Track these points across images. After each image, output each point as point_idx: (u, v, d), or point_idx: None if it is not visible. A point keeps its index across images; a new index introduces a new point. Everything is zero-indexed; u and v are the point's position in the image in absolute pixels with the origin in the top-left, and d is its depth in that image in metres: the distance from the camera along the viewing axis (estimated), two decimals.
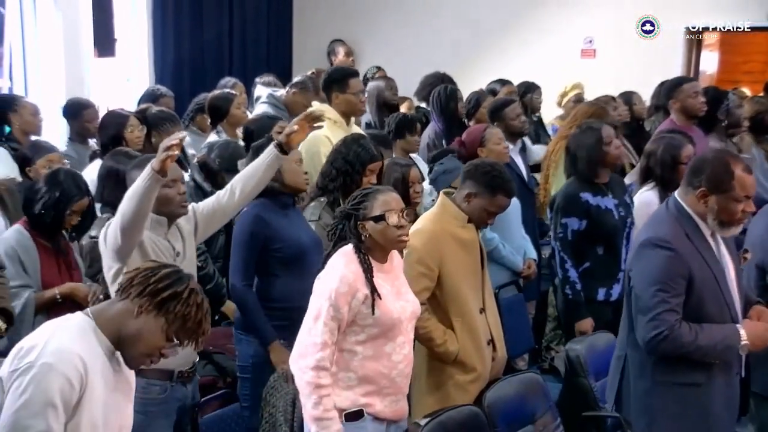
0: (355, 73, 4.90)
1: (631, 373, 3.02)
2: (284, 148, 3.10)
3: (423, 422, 2.92)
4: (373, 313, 2.78)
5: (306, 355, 2.77)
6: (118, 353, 2.12)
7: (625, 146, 5.80)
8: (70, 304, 3.29)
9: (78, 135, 5.20)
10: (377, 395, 2.85)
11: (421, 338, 3.28)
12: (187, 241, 3.06)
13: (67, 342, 2.01)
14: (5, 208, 3.77)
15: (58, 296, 3.33)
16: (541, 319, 5.26)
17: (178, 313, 2.04)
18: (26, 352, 2.00)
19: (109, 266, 2.88)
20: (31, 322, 3.23)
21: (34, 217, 3.37)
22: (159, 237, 2.96)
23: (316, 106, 4.73)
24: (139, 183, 2.66)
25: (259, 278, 3.45)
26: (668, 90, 5.30)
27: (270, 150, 3.09)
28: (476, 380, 3.32)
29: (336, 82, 4.70)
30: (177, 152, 2.62)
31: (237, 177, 3.13)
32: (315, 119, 3.16)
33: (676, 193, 3.00)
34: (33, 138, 4.85)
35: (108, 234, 2.81)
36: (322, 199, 3.75)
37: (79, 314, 2.12)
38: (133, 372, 2.22)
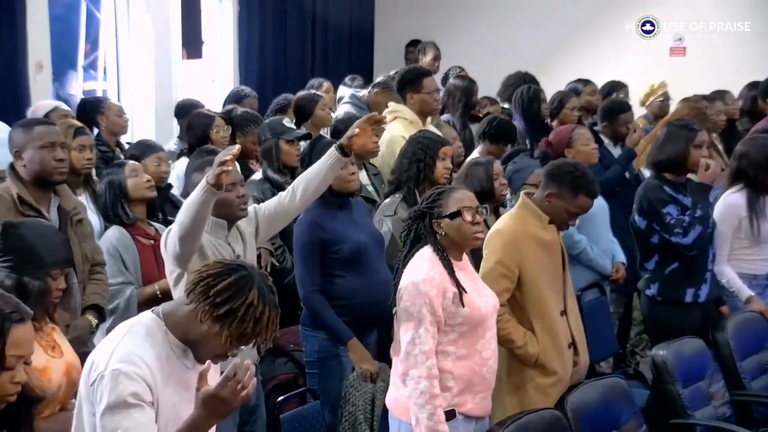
0: (428, 73, 4.90)
1: None
2: (346, 151, 3.07)
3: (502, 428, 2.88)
4: (462, 307, 2.79)
5: (416, 365, 2.78)
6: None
7: (715, 148, 5.62)
8: (169, 298, 3.36)
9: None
10: (469, 393, 2.87)
11: (502, 340, 3.24)
12: (248, 243, 3.08)
13: (133, 348, 2.05)
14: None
15: (158, 291, 3.39)
16: (626, 323, 5.14)
17: (233, 329, 2.03)
18: (97, 363, 2.06)
19: (170, 270, 2.94)
20: None
21: (103, 207, 3.50)
22: (219, 240, 2.99)
23: (393, 106, 4.75)
24: (195, 195, 2.69)
25: (322, 279, 3.46)
26: (766, 89, 5.10)
27: (331, 152, 3.06)
28: (557, 383, 3.26)
29: (410, 82, 4.72)
30: (231, 167, 2.63)
31: (299, 178, 3.13)
32: (377, 122, 3.15)
33: None
34: (131, 138, 5.00)
35: (167, 241, 2.87)
36: (397, 195, 3.80)
37: (149, 314, 2.14)
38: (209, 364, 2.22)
